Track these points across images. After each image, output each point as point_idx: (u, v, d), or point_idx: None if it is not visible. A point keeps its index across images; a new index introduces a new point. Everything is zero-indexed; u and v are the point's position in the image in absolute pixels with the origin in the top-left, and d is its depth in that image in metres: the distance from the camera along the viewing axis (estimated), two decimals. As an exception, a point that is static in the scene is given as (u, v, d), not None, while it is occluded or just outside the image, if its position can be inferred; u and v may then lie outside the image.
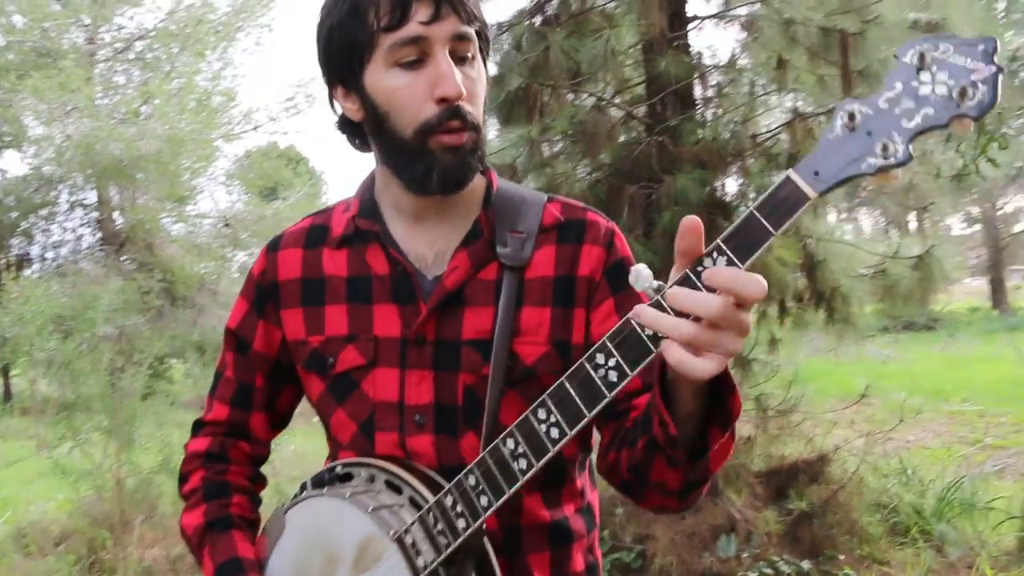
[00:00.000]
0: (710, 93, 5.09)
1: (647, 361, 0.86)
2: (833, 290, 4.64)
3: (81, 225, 18.18)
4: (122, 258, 16.55)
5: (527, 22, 4.78)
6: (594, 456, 1.21)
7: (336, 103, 1.15)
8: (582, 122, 4.08)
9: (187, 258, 16.61)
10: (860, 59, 4.60)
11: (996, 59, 0.72)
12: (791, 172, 0.80)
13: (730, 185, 4.71)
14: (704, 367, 0.81)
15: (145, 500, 5.38)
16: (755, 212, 0.80)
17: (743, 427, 5.13)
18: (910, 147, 0.76)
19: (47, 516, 6.22)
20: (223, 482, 1.23)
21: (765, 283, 0.79)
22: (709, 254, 0.82)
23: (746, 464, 4.92)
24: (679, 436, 0.92)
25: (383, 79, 1.06)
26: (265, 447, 1.30)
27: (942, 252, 4.55)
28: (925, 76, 0.75)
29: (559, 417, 0.91)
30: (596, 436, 1.20)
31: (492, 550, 1.02)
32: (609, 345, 0.88)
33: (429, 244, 1.16)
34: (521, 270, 1.13)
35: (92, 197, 17.82)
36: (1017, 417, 8.67)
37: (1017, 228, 25.66)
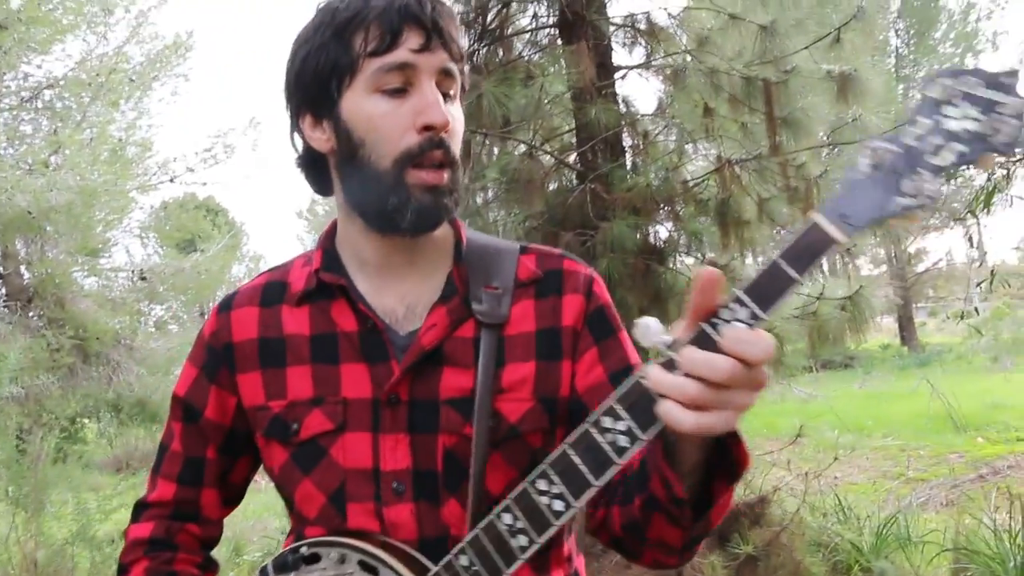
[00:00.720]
0: (639, 141, 5.18)
1: (662, 423, 0.80)
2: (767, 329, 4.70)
3: (-16, 281, 17.30)
4: (30, 314, 15.79)
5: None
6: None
7: (300, 136, 1.09)
8: (515, 169, 4.06)
9: (100, 313, 15.99)
10: (783, 107, 4.76)
11: (1021, 90, 0.70)
12: (816, 216, 0.75)
13: (662, 231, 4.75)
14: (711, 422, 0.76)
15: (58, 574, 5.02)
16: (779, 260, 0.75)
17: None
18: (941, 186, 0.72)
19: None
20: (170, 572, 1.12)
21: (772, 340, 0.74)
22: (726, 306, 0.77)
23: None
24: (685, 496, 0.87)
25: (364, 105, 1.01)
26: (217, 527, 1.19)
27: (868, 292, 4.69)
28: (951, 111, 0.72)
29: (563, 488, 0.84)
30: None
31: None
32: (617, 408, 0.82)
33: (399, 298, 1.10)
34: (500, 328, 1.07)
35: (-3, 251, 17.03)
36: (935, 450, 8.96)
37: (921, 267, 26.90)
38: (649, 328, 0.79)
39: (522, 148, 4.79)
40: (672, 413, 0.75)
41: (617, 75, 5.10)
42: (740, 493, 5.17)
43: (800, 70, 4.94)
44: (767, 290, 0.75)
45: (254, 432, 1.13)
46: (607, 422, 0.82)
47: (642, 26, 5.30)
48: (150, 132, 19.75)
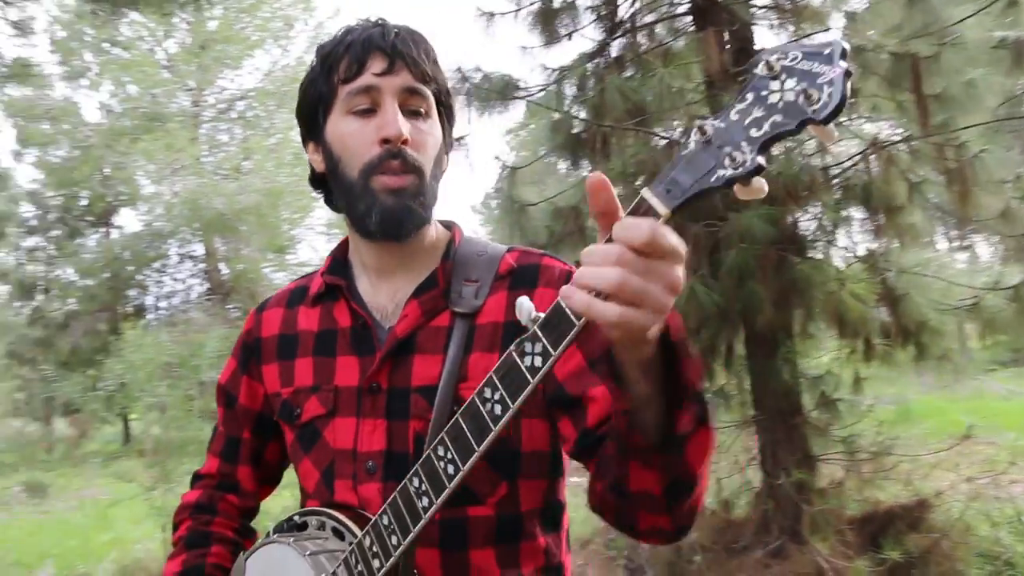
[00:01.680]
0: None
1: (527, 392, 0.84)
2: (920, 325, 4.39)
3: (190, 276, 19.14)
4: (228, 306, 17.26)
5: (586, 65, 4.79)
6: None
7: (310, 161, 1.22)
8: (640, 161, 4.03)
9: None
10: (939, 81, 4.40)
11: (843, 61, 0.69)
12: (644, 190, 0.77)
13: (802, 221, 4.54)
14: (632, 316, 0.74)
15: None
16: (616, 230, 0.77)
17: (832, 469, 4.89)
18: (759, 157, 0.71)
19: (150, 555, 6.49)
20: (205, 532, 1.28)
21: (660, 229, 0.73)
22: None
23: (835, 510, 4.67)
24: (637, 416, 0.87)
25: (338, 126, 1.13)
26: (253, 499, 1.34)
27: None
28: (775, 84, 0.72)
29: (454, 453, 0.91)
30: (573, 491, 1.16)
31: None
32: (494, 378, 0.87)
33: (390, 296, 1.19)
34: (472, 317, 1.14)
35: (200, 249, 18.78)
36: None
37: None
38: (522, 306, 0.85)
39: (657, 140, 4.72)
40: (587, 301, 0.75)
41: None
42: (897, 494, 4.87)
43: (965, 40, 4.55)
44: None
45: (273, 416, 1.27)
46: (487, 392, 0.89)
47: (787, 5, 5.09)
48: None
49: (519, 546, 1.14)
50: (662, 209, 0.75)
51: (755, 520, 4.65)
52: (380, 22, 1.15)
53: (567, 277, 1.14)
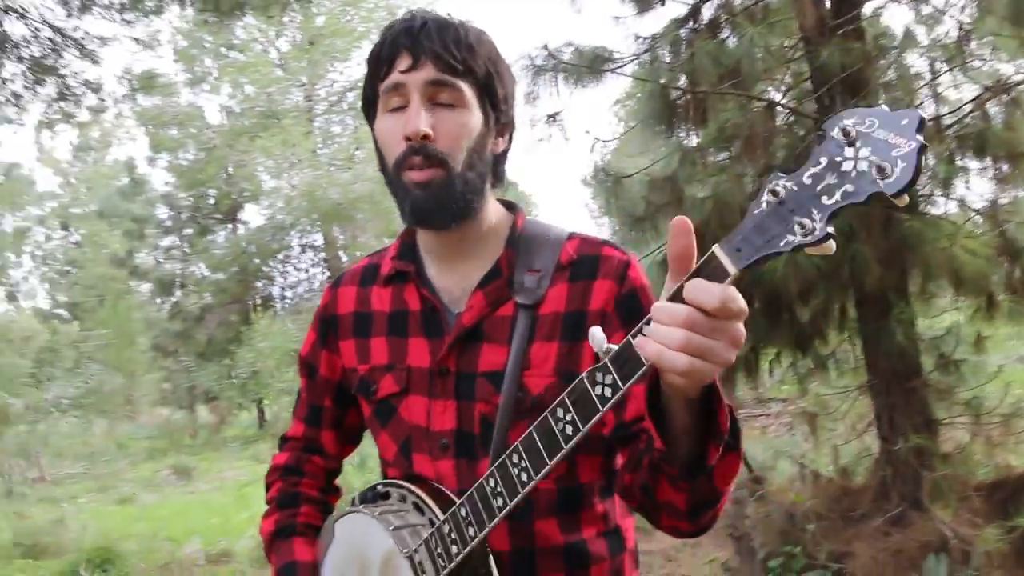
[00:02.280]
0: (890, 76, 4.73)
1: (596, 419, 0.91)
2: (1048, 278, 4.12)
3: (312, 265, 19.97)
4: (349, 293, 17.73)
5: (679, 31, 4.71)
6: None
7: None
8: (738, 125, 3.94)
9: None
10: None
11: (920, 134, 0.69)
12: (716, 247, 0.80)
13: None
14: (697, 366, 0.81)
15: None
16: (684, 284, 0.82)
17: (956, 434, 4.67)
18: (828, 226, 0.73)
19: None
20: (295, 493, 1.37)
21: (731, 294, 0.79)
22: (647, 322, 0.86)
23: (960, 476, 4.46)
24: (671, 452, 0.95)
25: (379, 124, 1.20)
26: (337, 461, 1.43)
27: None
28: (850, 151, 0.72)
29: (527, 463, 0.98)
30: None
31: (498, 573, 1.09)
32: (567, 401, 0.93)
33: (457, 282, 1.24)
34: (535, 307, 1.19)
35: (319, 239, 19.55)
36: None
37: None
38: (595, 337, 0.91)
39: (752, 104, 4.59)
40: (660, 352, 0.82)
41: (868, 7, 4.70)
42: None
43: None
44: None
45: (350, 388, 1.34)
46: (559, 412, 0.95)
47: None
48: (436, 120, 21.30)
49: (580, 514, 1.21)
50: (731, 269, 0.78)
51: (873, 487, 4.51)
52: (411, 16, 1.18)
53: (625, 268, 1.20)
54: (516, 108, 1.30)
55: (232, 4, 6.52)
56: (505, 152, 1.27)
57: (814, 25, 4.05)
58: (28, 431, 12.27)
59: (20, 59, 6.50)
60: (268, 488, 1.41)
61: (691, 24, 4.97)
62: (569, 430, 0.93)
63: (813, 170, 0.74)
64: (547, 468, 0.96)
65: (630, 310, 1.16)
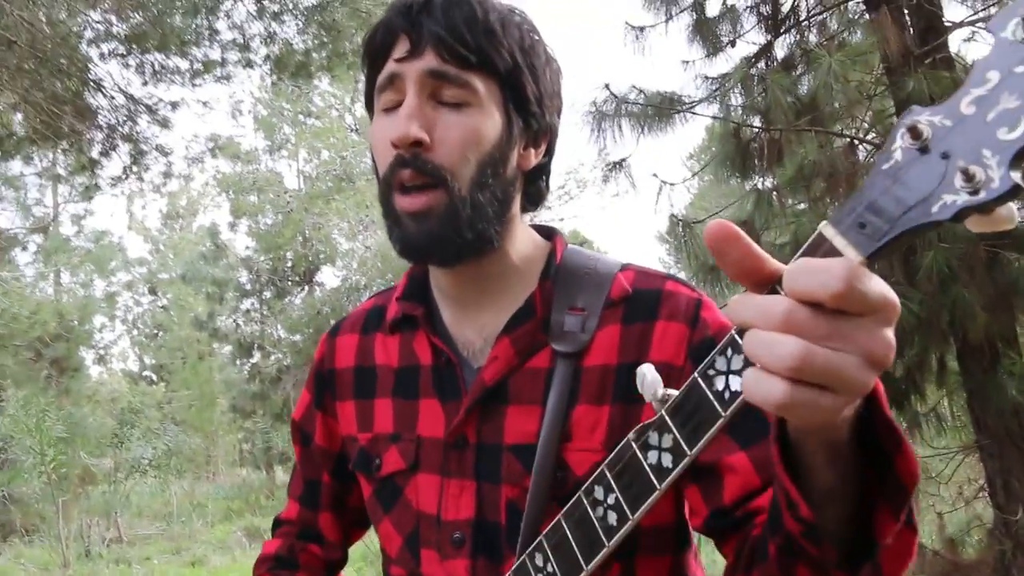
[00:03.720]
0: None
1: (652, 500, 0.64)
2: None
3: (387, 326, 20.03)
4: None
5: (750, 70, 4.48)
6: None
7: None
8: (814, 163, 3.64)
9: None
10: None
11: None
12: (824, 224, 0.53)
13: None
14: (806, 397, 0.51)
15: None
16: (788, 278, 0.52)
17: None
18: (1013, 172, 0.45)
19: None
20: None
21: (860, 274, 0.49)
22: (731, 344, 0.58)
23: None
24: (818, 522, 0.62)
25: (372, 129, 0.94)
26: (337, 549, 1.16)
27: None
28: None
29: (555, 566, 0.71)
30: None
31: None
32: (608, 476, 0.66)
33: (478, 328, 0.98)
34: (578, 356, 0.91)
35: (393, 299, 19.66)
36: None
37: None
38: (644, 379, 0.65)
39: (832, 141, 4.31)
40: (750, 381, 0.53)
41: (955, 33, 4.39)
42: None
43: None
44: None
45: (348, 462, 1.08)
46: (599, 492, 0.68)
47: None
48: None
49: None
50: (853, 255, 0.50)
51: (989, 563, 4.02)
52: None
53: (698, 308, 0.91)
54: (559, 110, 1.01)
55: (298, 65, 6.61)
56: (542, 167, 0.99)
57: (899, 53, 3.75)
58: (110, 491, 12.46)
59: (99, 127, 6.71)
60: None
61: (763, 62, 4.74)
62: (613, 519, 0.67)
63: (976, 92, 0.47)
64: (584, 573, 0.69)
65: None
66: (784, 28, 4.65)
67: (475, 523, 0.92)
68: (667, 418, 0.62)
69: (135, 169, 6.91)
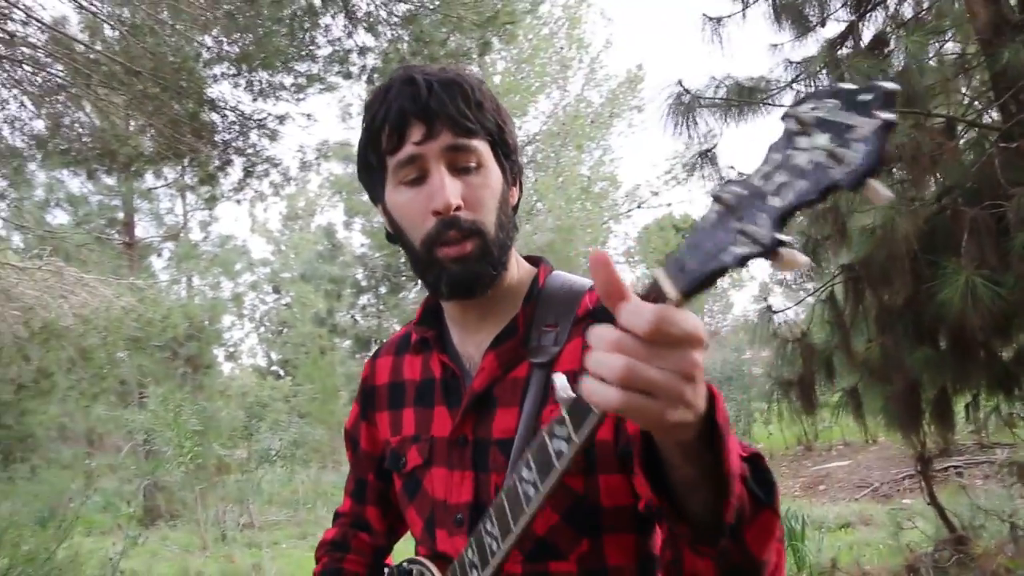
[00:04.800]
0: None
1: (553, 479, 0.81)
2: None
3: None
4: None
5: (836, 52, 4.40)
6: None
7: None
8: (898, 146, 3.57)
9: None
10: None
11: (885, 111, 0.55)
12: (657, 269, 0.68)
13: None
14: (638, 403, 0.66)
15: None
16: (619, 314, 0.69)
17: None
18: (778, 233, 0.59)
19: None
20: (338, 568, 1.35)
21: (670, 315, 0.65)
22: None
23: None
24: (680, 509, 0.81)
25: (394, 197, 1.13)
26: (383, 538, 1.38)
27: None
28: (804, 142, 0.59)
29: (497, 530, 0.91)
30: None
31: None
32: (529, 457, 0.84)
33: (476, 345, 1.18)
34: (550, 366, 1.09)
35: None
36: None
37: None
38: (556, 383, 0.81)
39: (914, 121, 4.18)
40: (593, 388, 0.69)
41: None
42: None
43: None
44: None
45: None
46: (524, 471, 0.86)
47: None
48: (613, 166, 21.42)
49: None
50: (672, 293, 0.66)
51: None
52: (413, 79, 1.09)
53: None
54: (520, 153, 1.21)
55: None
56: (518, 201, 1.19)
57: (990, 24, 3.62)
58: (243, 480, 13.30)
59: (214, 144, 7.21)
60: (316, 563, 1.39)
61: (848, 43, 4.64)
62: (531, 492, 0.84)
63: (765, 169, 0.62)
64: (512, 536, 0.87)
65: None
66: (871, 4, 4.54)
67: (472, 506, 1.11)
68: (565, 414, 0.79)
69: (248, 180, 7.37)
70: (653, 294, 0.67)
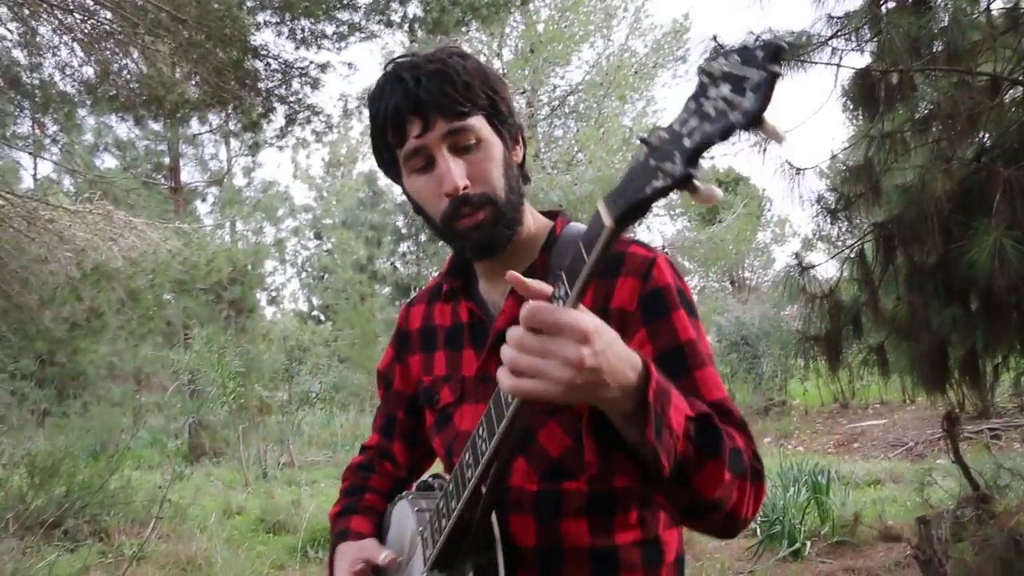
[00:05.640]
0: None
1: (504, 424, 0.95)
2: None
3: (535, 266, 20.42)
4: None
5: (877, 7, 4.33)
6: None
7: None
8: (935, 105, 3.54)
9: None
10: None
11: (773, 63, 0.66)
12: (600, 200, 0.82)
13: None
14: (528, 386, 0.84)
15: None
16: (579, 241, 0.84)
17: None
18: (689, 168, 0.71)
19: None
20: (362, 484, 1.49)
21: (544, 310, 0.84)
22: (555, 284, 0.89)
23: None
24: (636, 455, 0.95)
25: (410, 185, 1.27)
26: (405, 471, 1.51)
27: None
28: (713, 91, 0.71)
29: (485, 434, 1.03)
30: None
31: (503, 559, 1.13)
32: (491, 411, 1.00)
33: (501, 293, 1.31)
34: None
35: (542, 242, 19.96)
36: None
37: None
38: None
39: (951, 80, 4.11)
40: (499, 377, 0.87)
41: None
42: None
43: None
44: (572, 273, 0.86)
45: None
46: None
47: None
48: (656, 117, 21.13)
49: (613, 519, 1.20)
50: (607, 220, 0.79)
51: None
52: (401, 77, 1.20)
53: (650, 266, 1.19)
54: (517, 110, 1.31)
55: (455, 20, 6.91)
56: (524, 157, 1.30)
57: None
58: (283, 421, 13.71)
59: (257, 92, 7.31)
60: (344, 479, 1.54)
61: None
62: (483, 446, 1.02)
63: (683, 117, 0.74)
64: (496, 437, 0.98)
65: (653, 309, 1.16)
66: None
67: None
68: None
69: (290, 128, 7.48)
70: (595, 225, 0.81)
